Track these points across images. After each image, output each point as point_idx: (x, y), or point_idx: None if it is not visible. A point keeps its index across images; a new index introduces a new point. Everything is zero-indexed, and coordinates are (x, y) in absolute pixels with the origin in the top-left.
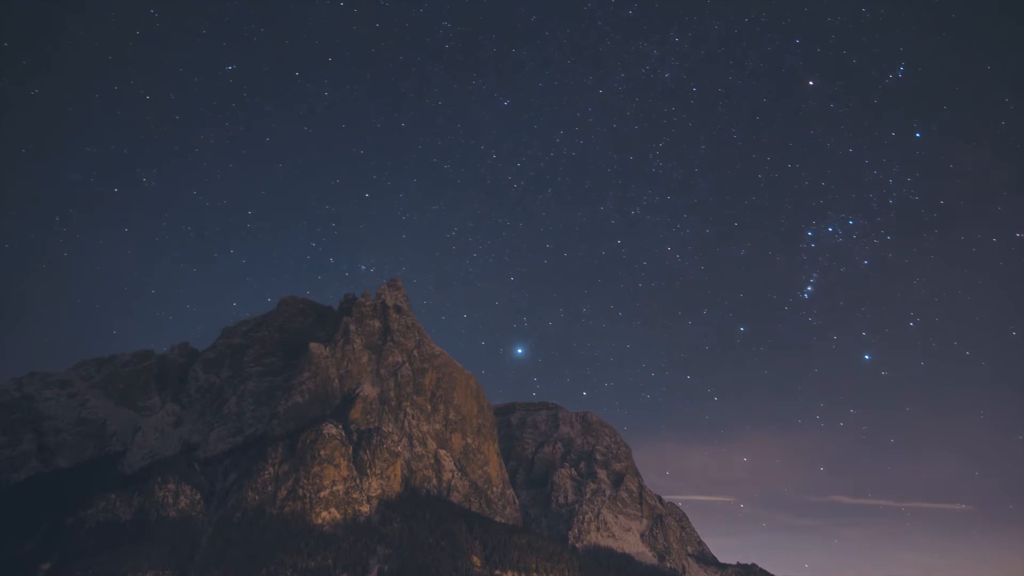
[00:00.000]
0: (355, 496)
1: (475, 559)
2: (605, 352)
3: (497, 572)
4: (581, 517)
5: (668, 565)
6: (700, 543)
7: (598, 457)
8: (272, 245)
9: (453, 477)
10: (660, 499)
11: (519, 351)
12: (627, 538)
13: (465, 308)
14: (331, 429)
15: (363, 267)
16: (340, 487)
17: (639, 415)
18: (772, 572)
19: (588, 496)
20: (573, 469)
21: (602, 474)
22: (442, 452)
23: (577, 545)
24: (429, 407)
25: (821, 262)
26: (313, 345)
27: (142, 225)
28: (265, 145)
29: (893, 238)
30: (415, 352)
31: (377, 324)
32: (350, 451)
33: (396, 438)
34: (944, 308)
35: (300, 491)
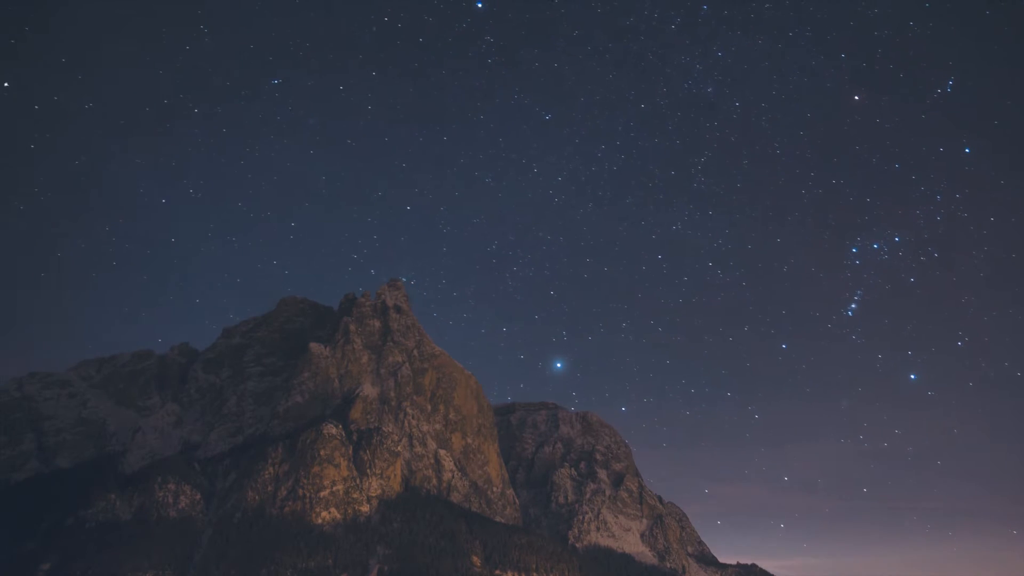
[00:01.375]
0: (355, 496)
1: (475, 559)
2: (645, 367)
3: (497, 572)
4: (581, 517)
5: (668, 565)
6: (700, 543)
7: (598, 457)
8: (315, 257)
9: (453, 477)
10: (660, 499)
11: (558, 365)
12: (627, 538)
13: (504, 322)
14: (331, 429)
15: (403, 279)
16: (340, 487)
17: (678, 431)
18: (772, 572)
19: (588, 496)
20: (573, 469)
21: (602, 474)
22: (442, 452)
23: (577, 545)
24: (429, 407)
25: (866, 279)
26: (313, 345)
27: (189, 234)
28: (309, 157)
29: (941, 255)
30: (415, 352)
31: (377, 324)
32: (350, 451)
33: (396, 438)
34: (994, 327)
35: (300, 491)
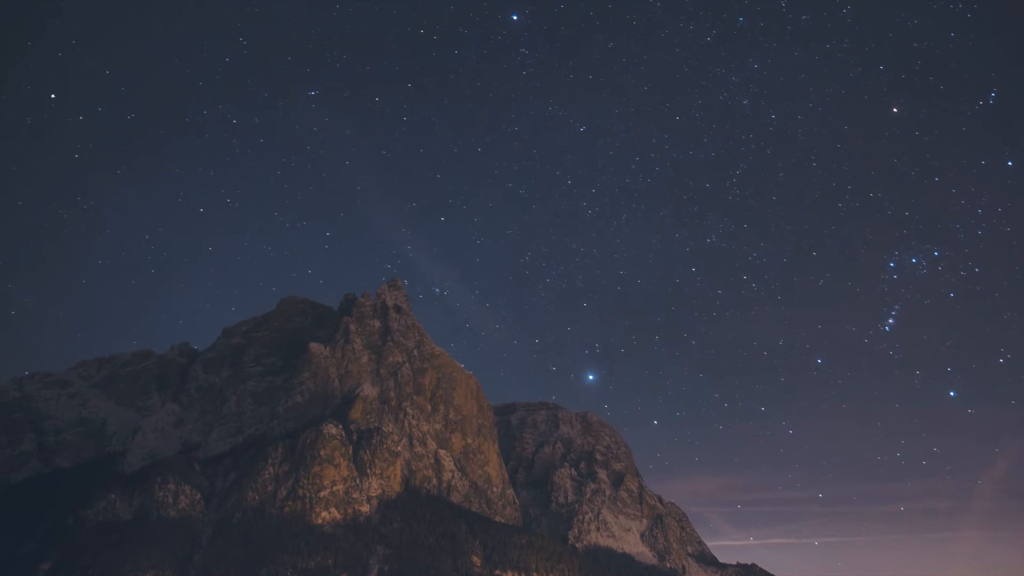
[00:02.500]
0: (355, 496)
1: (475, 559)
2: (677, 381)
3: (497, 572)
4: (581, 517)
5: (668, 565)
6: (700, 543)
7: (598, 457)
8: (349, 267)
9: (453, 477)
10: (660, 499)
11: (590, 377)
12: (627, 538)
13: (537, 333)
14: (331, 429)
15: (436, 290)
16: (340, 487)
17: (711, 445)
18: (772, 572)
19: (588, 496)
20: (573, 469)
21: (602, 474)
22: (442, 452)
23: (577, 545)
24: (429, 407)
25: (904, 294)
26: (313, 345)
27: (227, 243)
28: (344, 168)
29: (982, 270)
30: (415, 352)
31: (377, 324)
32: (350, 451)
33: (396, 438)
34: None
35: (300, 491)
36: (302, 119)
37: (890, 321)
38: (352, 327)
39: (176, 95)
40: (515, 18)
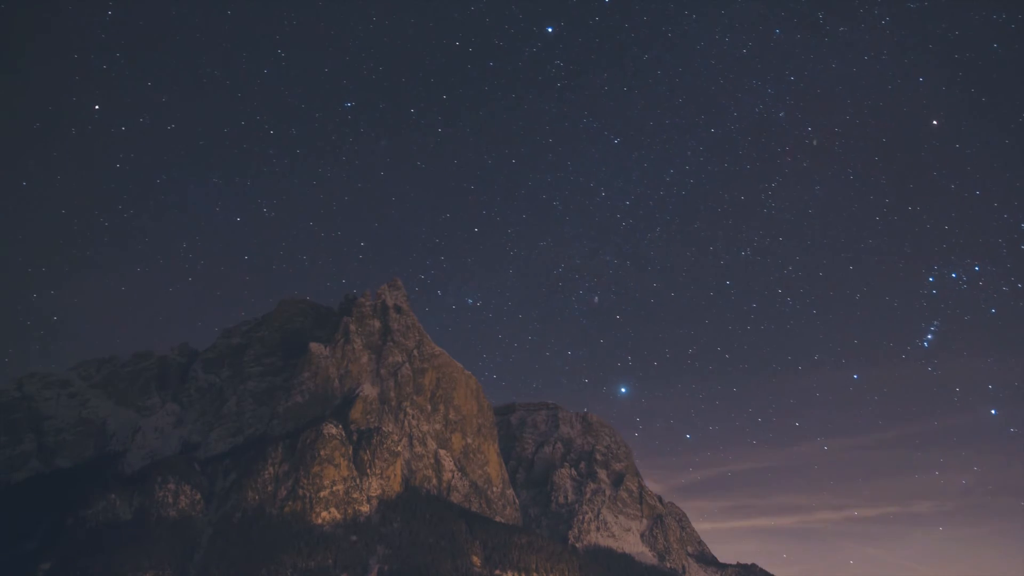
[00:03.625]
0: (355, 496)
1: (475, 559)
2: (711, 395)
3: (497, 572)
4: (581, 517)
5: (668, 565)
6: (700, 543)
7: (598, 457)
8: (383, 277)
9: (453, 477)
10: (660, 499)
11: (623, 390)
12: (627, 538)
13: (569, 345)
14: (331, 429)
15: (469, 301)
16: (340, 487)
17: (744, 461)
18: (772, 572)
19: (588, 496)
20: (573, 469)
21: (602, 474)
22: (442, 452)
23: (577, 545)
24: (429, 407)
25: (943, 309)
26: (313, 345)
27: (263, 254)
28: (379, 179)
29: None
30: (415, 352)
31: (377, 324)
32: (350, 451)
33: (396, 438)
34: None
35: (300, 491)
36: (338, 130)
37: (929, 337)
38: (352, 327)
39: (215, 106)
40: (550, 30)
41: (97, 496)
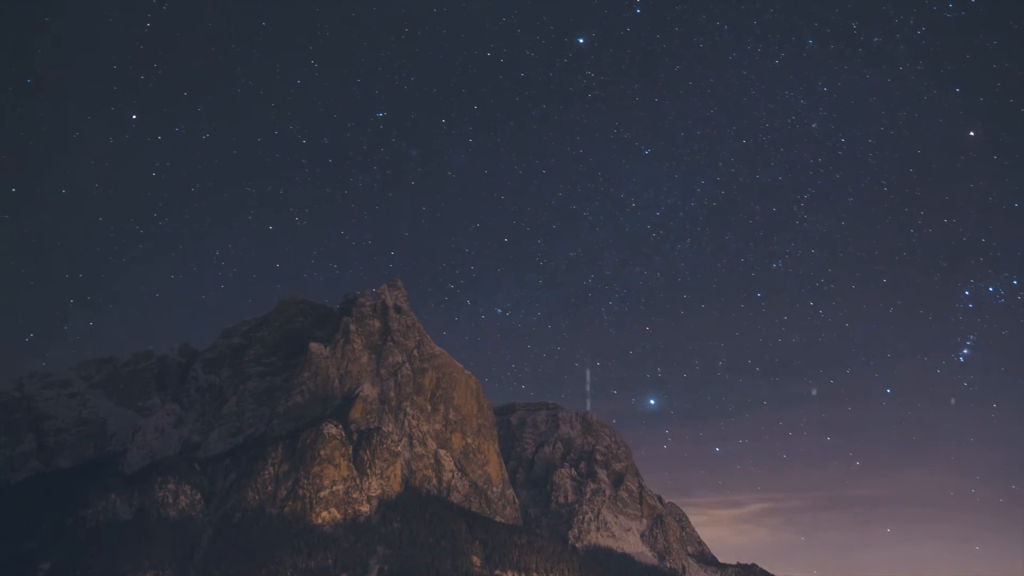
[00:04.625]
0: (355, 496)
1: (475, 559)
2: (741, 407)
3: (497, 572)
4: (581, 517)
5: (668, 565)
6: (700, 543)
7: (598, 457)
8: (412, 287)
9: (453, 477)
10: (660, 499)
11: (652, 402)
12: (627, 538)
13: (599, 356)
14: (331, 429)
15: (499, 310)
16: (340, 487)
17: (775, 475)
18: (772, 572)
19: (588, 496)
20: (573, 469)
21: (602, 474)
22: (442, 452)
23: (577, 545)
24: (429, 407)
25: (979, 324)
26: (313, 345)
27: (289, 261)
28: (410, 189)
29: None
30: (415, 352)
31: (377, 324)
32: (350, 451)
33: (396, 438)
34: None
35: (300, 491)
36: (370, 140)
37: (964, 352)
38: (352, 327)
39: (249, 115)
40: (581, 41)
41: (97, 496)
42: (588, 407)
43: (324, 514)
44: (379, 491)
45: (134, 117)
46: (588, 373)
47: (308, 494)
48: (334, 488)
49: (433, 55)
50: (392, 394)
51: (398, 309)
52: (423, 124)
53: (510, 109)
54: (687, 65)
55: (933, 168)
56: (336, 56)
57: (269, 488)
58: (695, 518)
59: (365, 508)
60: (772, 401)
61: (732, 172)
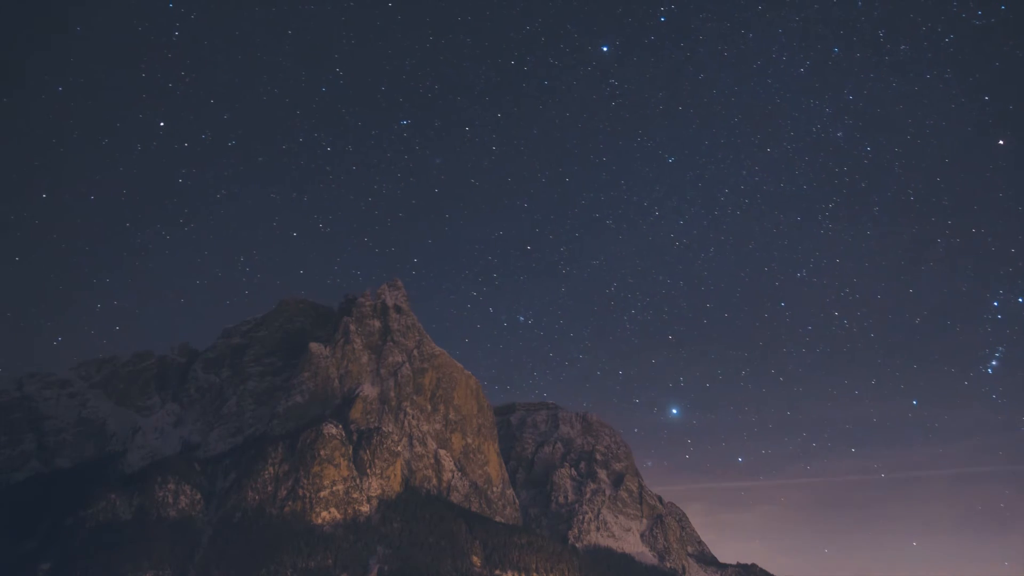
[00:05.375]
0: (355, 496)
1: (475, 559)
2: (764, 418)
3: (497, 572)
4: (581, 517)
5: (668, 565)
6: (700, 543)
7: (598, 457)
8: (434, 293)
9: (453, 477)
10: (660, 499)
11: (674, 411)
12: (627, 538)
13: (621, 364)
14: (331, 429)
15: (521, 318)
16: (340, 487)
17: (799, 487)
18: (772, 572)
19: (588, 496)
20: (573, 469)
21: (602, 474)
22: (442, 452)
23: (577, 545)
24: (429, 407)
25: (1009, 335)
26: (313, 345)
27: (317, 267)
28: (433, 196)
29: None
30: (415, 352)
31: (377, 324)
32: (350, 451)
33: (396, 438)
34: None
35: (300, 491)
36: (394, 147)
37: (993, 363)
38: (352, 327)
39: (274, 123)
40: (605, 49)
41: (97, 496)
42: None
43: (324, 514)
44: (379, 491)
45: (162, 124)
46: None
47: (308, 494)
48: (334, 488)
49: (457, 63)
50: (392, 394)
51: (398, 309)
52: (447, 132)
53: (533, 117)
54: (711, 73)
55: (961, 177)
56: (361, 64)
57: (269, 488)
58: (730, 530)
59: (365, 508)
60: (795, 412)
61: (756, 181)
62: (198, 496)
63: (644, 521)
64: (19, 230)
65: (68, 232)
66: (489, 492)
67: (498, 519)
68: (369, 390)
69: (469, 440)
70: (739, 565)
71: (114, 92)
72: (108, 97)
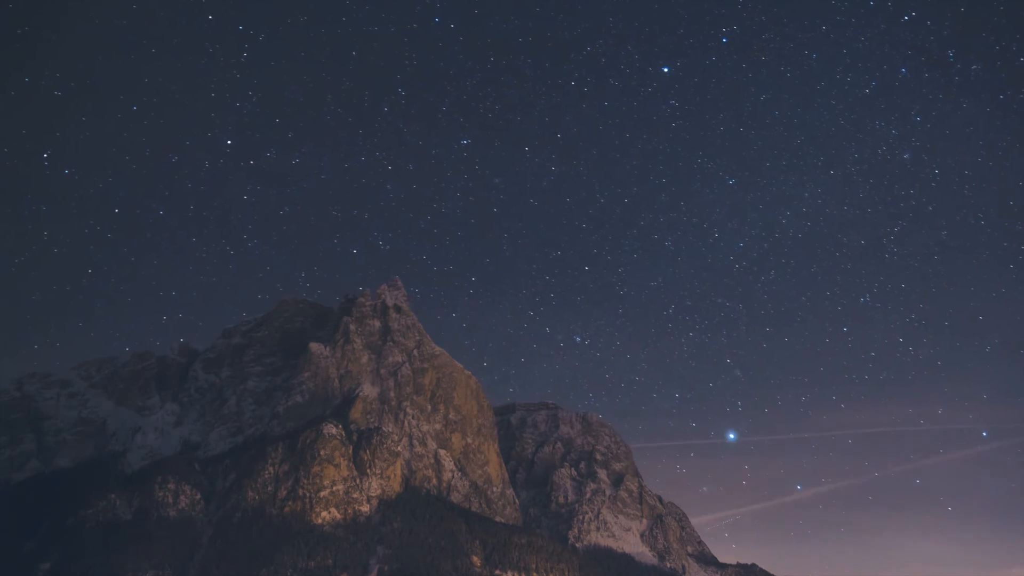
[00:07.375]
0: (355, 496)
1: (475, 559)
2: (824, 446)
3: (497, 572)
4: (581, 517)
5: (668, 565)
6: (700, 543)
7: (598, 457)
8: (491, 313)
9: (453, 477)
10: (660, 499)
11: (731, 436)
12: (627, 538)
13: (678, 387)
14: (331, 429)
15: (578, 338)
16: (340, 487)
17: (862, 516)
18: (772, 572)
19: (588, 496)
20: (573, 469)
21: (602, 474)
22: (442, 452)
23: (577, 545)
24: (429, 407)
25: None
26: (313, 345)
27: (376, 282)
28: (492, 216)
29: None
30: (415, 352)
31: (377, 324)
32: (350, 451)
33: (396, 438)
34: None
35: (300, 491)
36: (454, 167)
37: None
38: (352, 327)
39: (337, 142)
40: (666, 70)
41: (97, 496)
42: None
43: (324, 514)
44: (379, 491)
45: (229, 142)
46: None
47: (308, 494)
48: (334, 488)
49: (517, 84)
50: (392, 394)
51: (398, 309)
52: (506, 152)
53: (593, 138)
54: (774, 94)
55: None
56: (422, 84)
57: (269, 488)
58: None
59: (365, 508)
60: (858, 440)
61: (819, 203)
62: (198, 496)
63: (644, 521)
64: (93, 242)
65: (138, 247)
66: (489, 492)
67: (498, 519)
68: (369, 390)
69: (469, 440)
70: (739, 565)
71: (184, 111)
72: (178, 116)
